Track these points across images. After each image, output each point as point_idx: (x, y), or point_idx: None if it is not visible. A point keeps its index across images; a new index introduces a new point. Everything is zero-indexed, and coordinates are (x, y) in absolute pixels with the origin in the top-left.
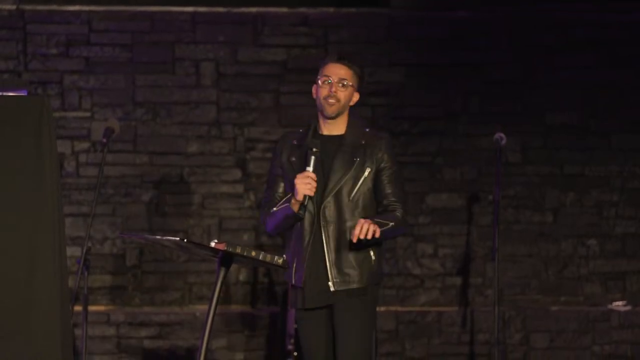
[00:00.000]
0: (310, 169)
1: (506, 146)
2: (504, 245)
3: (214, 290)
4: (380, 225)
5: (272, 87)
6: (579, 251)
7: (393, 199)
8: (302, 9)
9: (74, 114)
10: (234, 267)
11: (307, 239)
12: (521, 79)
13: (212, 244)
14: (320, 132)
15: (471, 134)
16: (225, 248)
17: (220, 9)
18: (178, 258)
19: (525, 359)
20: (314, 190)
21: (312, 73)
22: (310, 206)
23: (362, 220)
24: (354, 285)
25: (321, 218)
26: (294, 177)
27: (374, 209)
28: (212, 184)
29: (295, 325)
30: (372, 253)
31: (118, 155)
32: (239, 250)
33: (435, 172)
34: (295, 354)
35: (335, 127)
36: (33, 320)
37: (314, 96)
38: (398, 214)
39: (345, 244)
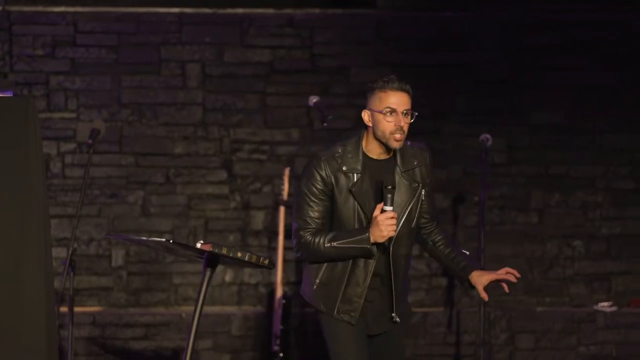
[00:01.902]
0: (389, 208)
1: (492, 146)
2: (490, 245)
3: (200, 291)
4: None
5: (258, 88)
6: (564, 252)
7: (434, 213)
8: (288, 10)
9: (60, 115)
10: (219, 268)
11: (366, 273)
12: (508, 80)
13: (198, 245)
14: (369, 156)
15: (458, 134)
16: (211, 249)
17: (207, 10)
18: (164, 259)
19: (511, 359)
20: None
21: (298, 74)
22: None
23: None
24: (408, 312)
25: (392, 251)
26: (354, 208)
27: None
28: (197, 185)
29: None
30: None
31: (104, 156)
32: (224, 251)
33: None
34: (281, 354)
35: (386, 150)
36: (19, 320)
37: (368, 122)
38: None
39: (404, 274)
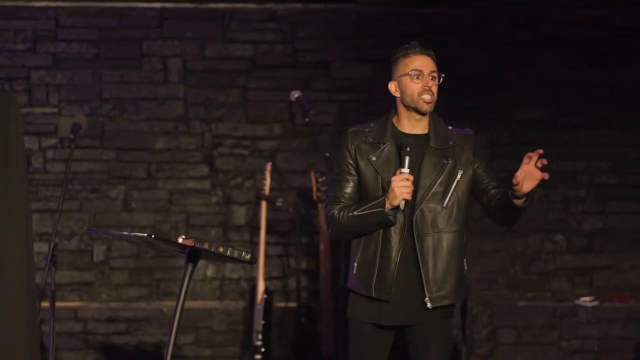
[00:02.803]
0: (406, 170)
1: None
2: (472, 240)
3: (182, 286)
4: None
5: (239, 83)
6: (546, 247)
7: (497, 183)
8: (270, 5)
9: (41, 109)
10: (201, 262)
11: (395, 249)
12: (489, 75)
13: (180, 240)
14: (400, 130)
15: None
16: (193, 244)
17: (188, 5)
18: (145, 254)
19: (493, 354)
20: (411, 193)
21: (279, 69)
22: (399, 213)
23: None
24: (447, 302)
25: (415, 228)
26: (376, 177)
27: (466, 215)
28: (179, 180)
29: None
30: (465, 262)
31: (85, 151)
32: (206, 246)
33: None
34: (263, 349)
35: (418, 125)
36: (0, 316)
37: (395, 93)
38: None
39: (442, 256)
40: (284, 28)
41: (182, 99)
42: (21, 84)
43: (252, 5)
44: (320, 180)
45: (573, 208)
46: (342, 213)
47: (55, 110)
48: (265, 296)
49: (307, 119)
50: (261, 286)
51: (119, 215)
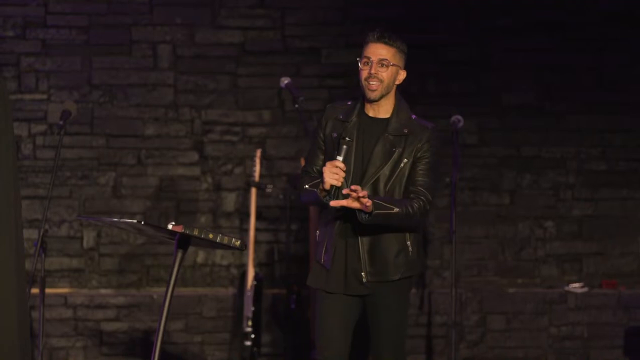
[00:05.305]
0: (340, 158)
1: (462, 128)
2: (461, 227)
3: (172, 273)
4: (379, 207)
5: (229, 69)
6: (536, 233)
7: (420, 188)
8: None
9: (31, 96)
10: (191, 249)
11: (339, 223)
12: (477, 61)
13: (170, 227)
14: (365, 112)
15: (427, 115)
16: (183, 230)
17: None
18: (135, 240)
19: (482, 340)
20: (341, 181)
21: (269, 55)
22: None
23: (364, 195)
24: (388, 278)
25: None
26: (332, 153)
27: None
28: (169, 167)
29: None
30: (409, 243)
31: (75, 138)
32: (196, 232)
33: None
34: (253, 336)
35: (381, 110)
36: None
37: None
38: (414, 204)
39: (379, 235)
40: (273, 14)
41: (172, 85)
42: (11, 71)
43: None
44: None
45: (563, 194)
46: (304, 184)
47: (45, 96)
48: (255, 282)
49: (296, 106)
50: (251, 272)
51: (109, 202)
